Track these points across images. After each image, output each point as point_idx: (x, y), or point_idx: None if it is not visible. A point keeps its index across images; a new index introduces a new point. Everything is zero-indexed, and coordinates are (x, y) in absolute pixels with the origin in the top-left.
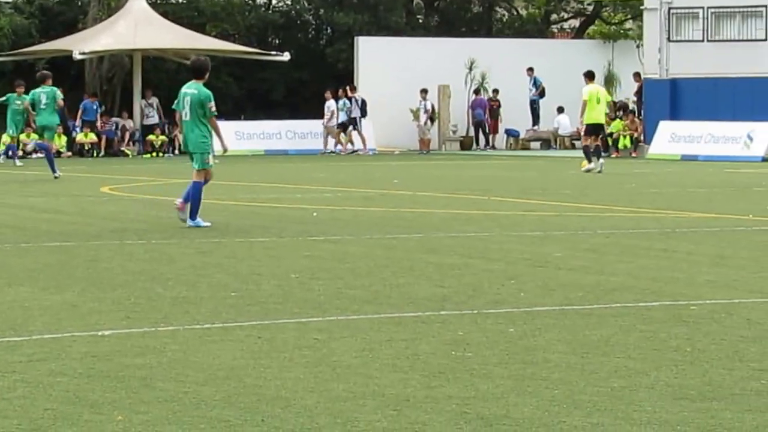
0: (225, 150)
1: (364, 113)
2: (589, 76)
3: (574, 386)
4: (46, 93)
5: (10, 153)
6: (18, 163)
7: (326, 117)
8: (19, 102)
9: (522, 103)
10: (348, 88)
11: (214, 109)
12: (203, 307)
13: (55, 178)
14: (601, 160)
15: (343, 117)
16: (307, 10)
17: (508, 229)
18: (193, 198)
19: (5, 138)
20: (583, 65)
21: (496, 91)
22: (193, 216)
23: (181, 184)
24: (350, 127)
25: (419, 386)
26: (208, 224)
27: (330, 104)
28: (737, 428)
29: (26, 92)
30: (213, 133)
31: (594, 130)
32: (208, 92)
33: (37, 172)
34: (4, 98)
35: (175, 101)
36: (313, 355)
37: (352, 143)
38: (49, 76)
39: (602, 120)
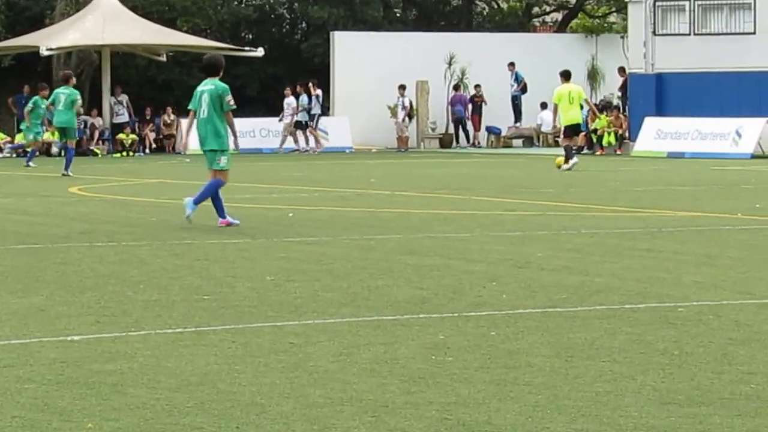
0: (236, 148)
1: (324, 111)
2: (564, 75)
3: (558, 391)
4: (66, 94)
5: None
6: (32, 164)
7: (286, 114)
8: (44, 106)
9: (503, 99)
10: (311, 84)
11: (232, 102)
12: (175, 311)
13: (63, 175)
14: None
15: (302, 115)
16: (281, 3)
17: (489, 229)
18: (207, 189)
19: (24, 139)
20: (566, 59)
21: (478, 86)
22: (196, 201)
23: (153, 184)
24: (312, 125)
25: (398, 392)
26: (189, 218)
27: (290, 101)
28: None
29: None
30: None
31: (573, 130)
32: (225, 86)
33: (1, 171)
34: (31, 105)
35: (191, 100)
36: (289, 360)
37: (315, 141)
38: (71, 75)
39: (578, 119)
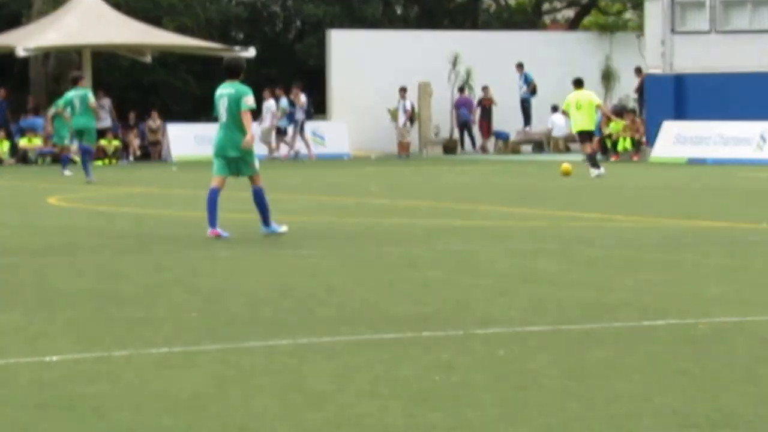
0: (249, 148)
1: (309, 115)
2: (575, 83)
3: (571, 414)
4: (80, 96)
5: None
6: (67, 172)
7: (265, 118)
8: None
9: (512, 102)
10: (294, 89)
11: (251, 102)
12: (161, 329)
13: (88, 182)
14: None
15: (282, 120)
16: (274, 1)
17: (497, 241)
18: (261, 203)
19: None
20: (578, 59)
21: (486, 88)
22: (267, 223)
23: (137, 194)
24: (293, 131)
25: (400, 415)
26: (285, 229)
27: (269, 105)
28: None
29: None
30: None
31: (585, 137)
32: (247, 88)
33: None
34: (54, 109)
35: (213, 106)
36: (283, 381)
37: (292, 148)
38: (82, 77)
39: (587, 126)
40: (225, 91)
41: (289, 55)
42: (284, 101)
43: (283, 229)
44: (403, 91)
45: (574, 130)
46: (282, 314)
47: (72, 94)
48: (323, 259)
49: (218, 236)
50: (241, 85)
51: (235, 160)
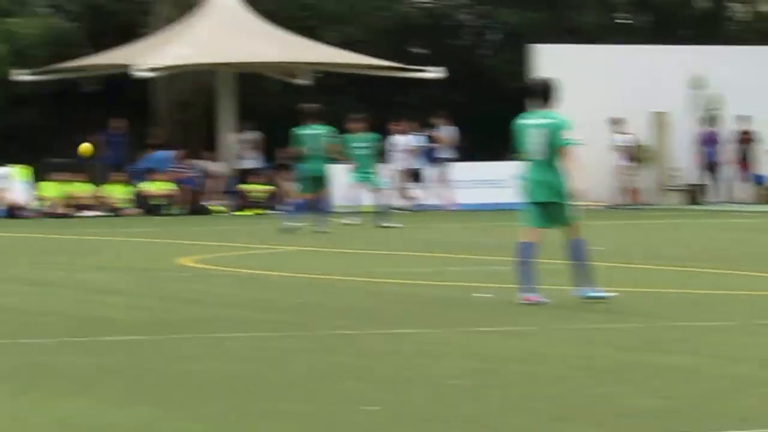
0: (573, 194)
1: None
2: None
3: None
4: (316, 136)
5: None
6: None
7: (398, 157)
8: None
9: None
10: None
11: (576, 137)
12: (336, 425)
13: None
14: None
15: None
16: (457, 8)
17: (760, 316)
18: (580, 259)
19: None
20: None
21: (746, 119)
22: (584, 283)
23: (297, 253)
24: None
25: None
26: (612, 295)
27: (399, 141)
28: None
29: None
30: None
31: None
32: (564, 117)
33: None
34: (369, 145)
35: (518, 139)
36: None
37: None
38: (321, 110)
39: None
40: (540, 121)
41: (480, 74)
42: (417, 137)
43: (602, 294)
44: (616, 123)
45: None
46: (474, 408)
47: (311, 132)
48: (531, 339)
49: (537, 302)
50: (558, 115)
51: (550, 205)
